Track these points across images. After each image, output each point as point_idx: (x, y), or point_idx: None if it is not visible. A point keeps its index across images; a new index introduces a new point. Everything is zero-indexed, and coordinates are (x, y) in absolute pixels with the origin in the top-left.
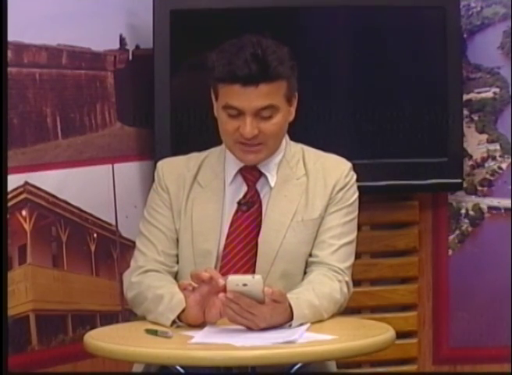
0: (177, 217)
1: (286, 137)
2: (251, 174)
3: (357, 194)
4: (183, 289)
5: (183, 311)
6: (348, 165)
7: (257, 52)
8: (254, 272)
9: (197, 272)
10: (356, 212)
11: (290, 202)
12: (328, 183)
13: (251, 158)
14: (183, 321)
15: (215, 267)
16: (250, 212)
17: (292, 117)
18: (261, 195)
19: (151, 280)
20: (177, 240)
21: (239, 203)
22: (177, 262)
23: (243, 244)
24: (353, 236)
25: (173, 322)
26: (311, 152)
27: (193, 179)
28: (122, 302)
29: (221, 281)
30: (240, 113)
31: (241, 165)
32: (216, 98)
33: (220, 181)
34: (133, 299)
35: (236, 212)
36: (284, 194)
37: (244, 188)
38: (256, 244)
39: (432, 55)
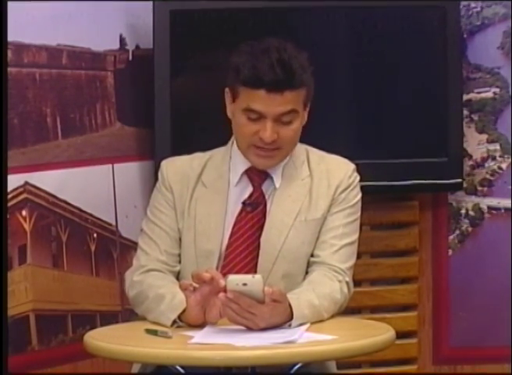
0: (180, 217)
1: None
2: (257, 175)
3: (359, 195)
4: (183, 289)
5: (184, 311)
6: (351, 166)
7: (283, 58)
8: (256, 272)
9: (198, 272)
10: (358, 213)
11: (294, 202)
12: (331, 183)
13: (265, 162)
14: (183, 321)
15: (217, 267)
16: (254, 212)
17: (305, 121)
18: (266, 196)
19: (152, 280)
20: (180, 239)
21: (244, 203)
22: (179, 262)
23: (245, 244)
24: (355, 237)
25: (174, 322)
26: (315, 153)
27: (197, 179)
28: (122, 302)
29: (222, 282)
30: (260, 117)
31: (247, 166)
32: (234, 100)
33: (224, 182)
34: (134, 298)
35: (241, 212)
36: (288, 195)
37: (250, 189)
38: (259, 245)
39: (432, 55)
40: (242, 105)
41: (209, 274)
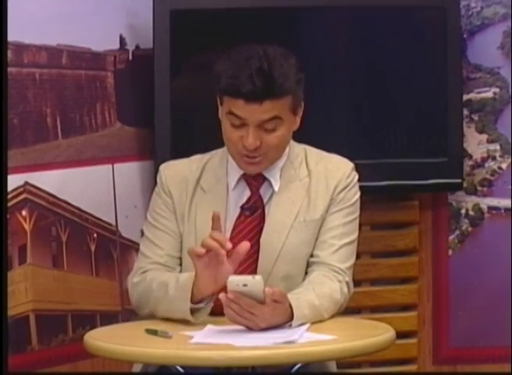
0: (181, 221)
1: None
2: (255, 179)
3: (358, 195)
4: (191, 254)
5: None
6: (350, 165)
7: (263, 67)
8: (256, 274)
9: (204, 238)
10: (357, 213)
11: (293, 203)
12: (330, 183)
13: (252, 168)
14: (195, 296)
15: None
16: (253, 216)
17: (296, 126)
18: (265, 200)
19: (152, 274)
20: (181, 243)
21: (242, 208)
22: (180, 265)
23: None
24: (354, 236)
25: (191, 310)
26: (313, 153)
27: (195, 183)
28: (122, 302)
29: (228, 244)
30: (243, 124)
31: (243, 170)
32: (221, 103)
33: (223, 186)
34: (139, 297)
35: (239, 216)
36: (287, 196)
37: (247, 193)
38: (258, 249)
39: (432, 55)
40: (225, 108)
41: (215, 242)
